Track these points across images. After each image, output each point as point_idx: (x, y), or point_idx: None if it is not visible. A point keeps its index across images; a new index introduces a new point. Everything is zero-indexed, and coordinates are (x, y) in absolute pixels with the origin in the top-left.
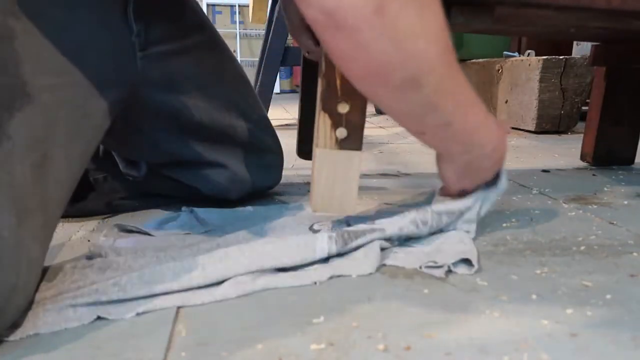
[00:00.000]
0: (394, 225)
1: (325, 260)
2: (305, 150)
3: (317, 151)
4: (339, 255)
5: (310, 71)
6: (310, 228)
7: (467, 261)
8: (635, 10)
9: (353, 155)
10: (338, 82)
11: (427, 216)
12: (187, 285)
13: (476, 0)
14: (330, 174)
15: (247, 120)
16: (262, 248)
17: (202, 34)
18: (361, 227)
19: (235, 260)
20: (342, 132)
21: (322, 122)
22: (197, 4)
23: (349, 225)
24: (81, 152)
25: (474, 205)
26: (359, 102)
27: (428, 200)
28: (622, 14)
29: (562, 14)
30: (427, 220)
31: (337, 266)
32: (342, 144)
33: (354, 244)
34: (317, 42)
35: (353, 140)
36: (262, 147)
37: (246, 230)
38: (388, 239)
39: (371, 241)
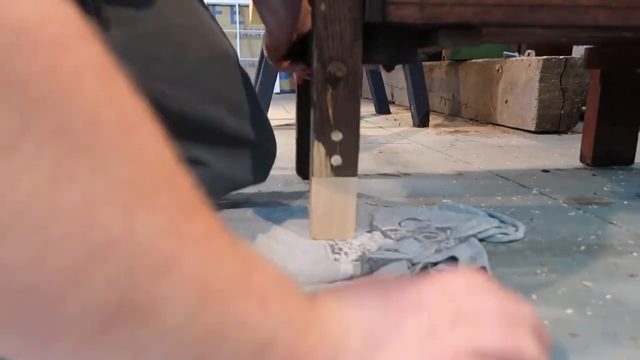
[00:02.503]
0: (420, 255)
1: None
2: (303, 169)
3: (313, 180)
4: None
5: (306, 95)
6: None
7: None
8: (622, 25)
9: (349, 181)
10: (330, 111)
11: (450, 243)
12: None
13: (462, 24)
14: (327, 201)
15: (237, 113)
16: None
17: (185, 19)
18: (387, 255)
19: None
20: (337, 160)
21: (316, 150)
22: None
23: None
24: None
25: (488, 229)
26: (352, 129)
27: (439, 217)
28: (610, 28)
29: (549, 30)
30: (450, 246)
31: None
32: (337, 171)
33: (380, 272)
34: (308, 65)
35: (348, 167)
36: (251, 142)
37: (249, 235)
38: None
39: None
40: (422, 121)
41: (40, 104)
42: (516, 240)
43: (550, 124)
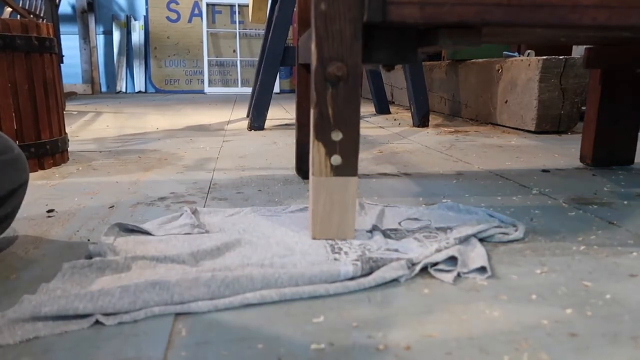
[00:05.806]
0: (420, 255)
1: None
2: (304, 169)
3: (312, 179)
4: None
5: (306, 95)
6: None
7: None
8: (621, 24)
9: (348, 181)
10: (330, 111)
11: (450, 242)
12: (193, 300)
13: (463, 24)
14: (327, 200)
15: None
16: (278, 276)
17: None
18: (387, 254)
19: (247, 285)
20: (336, 160)
21: (316, 150)
22: None
23: (373, 231)
24: None
25: (488, 229)
26: (352, 129)
27: (439, 217)
28: (609, 28)
29: (549, 30)
30: (450, 246)
31: (363, 283)
32: (337, 171)
33: (380, 272)
34: None
35: (348, 167)
36: None
37: (249, 235)
38: (412, 265)
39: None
40: (422, 121)
41: None
42: (516, 240)
43: (550, 124)
